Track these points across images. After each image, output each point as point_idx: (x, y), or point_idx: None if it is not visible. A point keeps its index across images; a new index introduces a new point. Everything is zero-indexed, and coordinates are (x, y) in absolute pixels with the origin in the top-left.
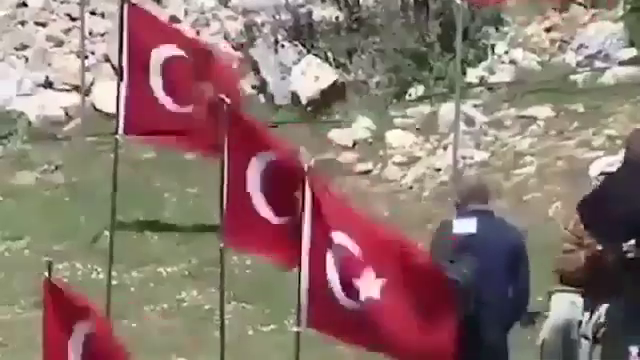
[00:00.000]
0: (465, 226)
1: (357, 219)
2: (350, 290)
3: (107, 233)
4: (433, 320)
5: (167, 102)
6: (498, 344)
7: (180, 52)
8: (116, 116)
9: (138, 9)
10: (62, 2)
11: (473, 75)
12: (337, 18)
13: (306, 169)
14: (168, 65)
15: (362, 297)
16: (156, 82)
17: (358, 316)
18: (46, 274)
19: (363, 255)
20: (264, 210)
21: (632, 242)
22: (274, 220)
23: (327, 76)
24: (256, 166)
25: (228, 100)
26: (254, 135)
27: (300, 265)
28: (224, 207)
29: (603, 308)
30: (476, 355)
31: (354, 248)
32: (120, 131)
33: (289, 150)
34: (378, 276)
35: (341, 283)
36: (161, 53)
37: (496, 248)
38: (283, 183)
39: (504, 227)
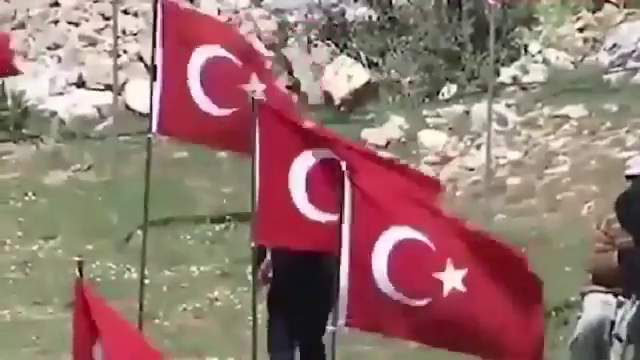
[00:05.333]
0: None
1: (424, 211)
2: (422, 285)
3: (140, 232)
4: (518, 311)
5: (206, 103)
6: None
7: (224, 53)
8: (149, 115)
9: (176, 7)
10: (95, 1)
11: (506, 75)
12: (370, 17)
13: (344, 167)
14: (209, 66)
15: (445, 290)
16: (195, 82)
17: (424, 310)
18: (77, 273)
19: (439, 247)
20: (309, 210)
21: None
22: (322, 218)
23: (360, 75)
24: (300, 165)
25: (260, 98)
26: (294, 134)
27: (338, 264)
28: (256, 206)
29: (635, 308)
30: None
31: (428, 241)
32: (153, 130)
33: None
34: (457, 267)
35: (404, 278)
36: (202, 53)
37: None
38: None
39: None
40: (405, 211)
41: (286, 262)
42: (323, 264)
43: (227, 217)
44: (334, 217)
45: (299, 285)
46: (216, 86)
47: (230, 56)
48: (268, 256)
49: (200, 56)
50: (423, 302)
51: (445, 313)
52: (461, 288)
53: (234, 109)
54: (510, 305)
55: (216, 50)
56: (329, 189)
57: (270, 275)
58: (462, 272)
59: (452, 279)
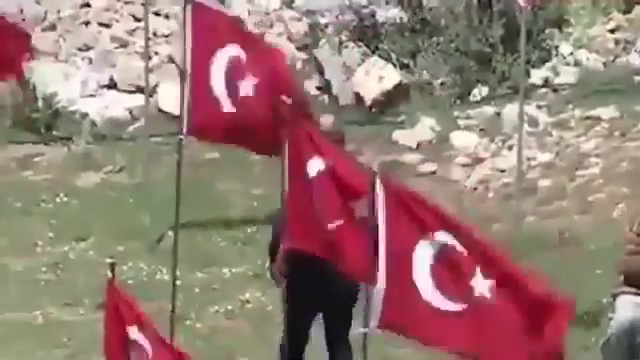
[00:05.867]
0: None
1: (453, 220)
2: (454, 290)
3: (171, 234)
4: (538, 328)
5: (227, 103)
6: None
7: (241, 52)
8: (180, 117)
9: (203, 7)
10: (126, 3)
11: (537, 76)
12: (401, 19)
13: (376, 171)
14: (230, 65)
15: (475, 294)
16: (218, 82)
17: (458, 315)
18: (109, 274)
19: (470, 254)
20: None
21: None
22: (327, 225)
23: (391, 77)
24: (311, 170)
25: (289, 100)
26: (311, 139)
27: (375, 267)
28: (285, 210)
29: None
30: (342, 287)
31: (460, 247)
32: (184, 132)
33: (347, 157)
34: (485, 276)
35: (441, 283)
36: (225, 53)
37: None
38: (338, 189)
39: None
40: (436, 216)
41: (301, 258)
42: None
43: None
44: (336, 223)
45: (317, 280)
46: (234, 85)
47: (246, 55)
48: (281, 251)
49: (223, 56)
50: (459, 308)
51: (475, 320)
52: (488, 295)
53: (251, 108)
54: (530, 320)
55: (236, 50)
56: (331, 194)
57: (284, 270)
58: (489, 281)
59: (481, 287)
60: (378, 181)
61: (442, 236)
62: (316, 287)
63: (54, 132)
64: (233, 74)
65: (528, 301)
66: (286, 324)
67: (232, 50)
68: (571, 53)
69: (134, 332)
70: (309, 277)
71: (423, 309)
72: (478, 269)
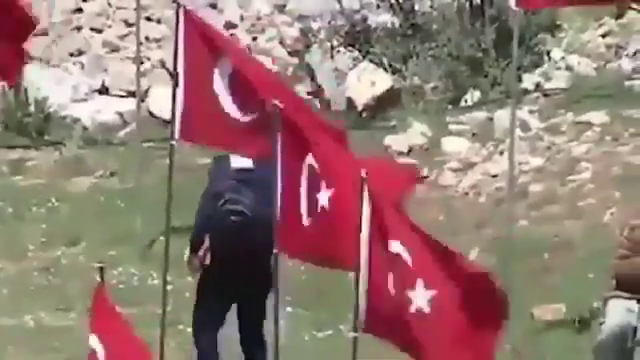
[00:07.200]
0: (243, 161)
1: (411, 227)
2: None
3: (162, 238)
4: (479, 333)
5: (233, 110)
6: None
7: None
8: (171, 122)
9: (194, 17)
10: (118, 8)
11: (529, 81)
12: (393, 24)
13: (364, 175)
14: (232, 75)
15: (412, 308)
16: (221, 90)
17: (407, 325)
18: (98, 279)
19: (415, 265)
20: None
21: None
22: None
23: (383, 82)
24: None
25: (281, 105)
26: (304, 141)
27: (357, 269)
28: (277, 214)
29: None
30: (261, 280)
31: (407, 257)
32: (176, 137)
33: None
34: (427, 288)
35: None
36: (225, 63)
37: (272, 183)
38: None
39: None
40: (396, 224)
41: (227, 251)
42: (264, 258)
43: None
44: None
45: (239, 275)
46: (240, 93)
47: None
48: (206, 243)
49: (225, 65)
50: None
51: (410, 330)
52: (426, 309)
53: (256, 115)
54: (470, 325)
55: (234, 64)
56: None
57: (207, 262)
58: (430, 293)
59: (420, 299)
60: (365, 186)
61: (396, 246)
62: (234, 277)
63: (45, 137)
64: (238, 84)
65: (469, 305)
66: (195, 317)
67: (230, 63)
68: (563, 58)
69: (94, 341)
70: (228, 267)
71: (393, 315)
72: (420, 281)
